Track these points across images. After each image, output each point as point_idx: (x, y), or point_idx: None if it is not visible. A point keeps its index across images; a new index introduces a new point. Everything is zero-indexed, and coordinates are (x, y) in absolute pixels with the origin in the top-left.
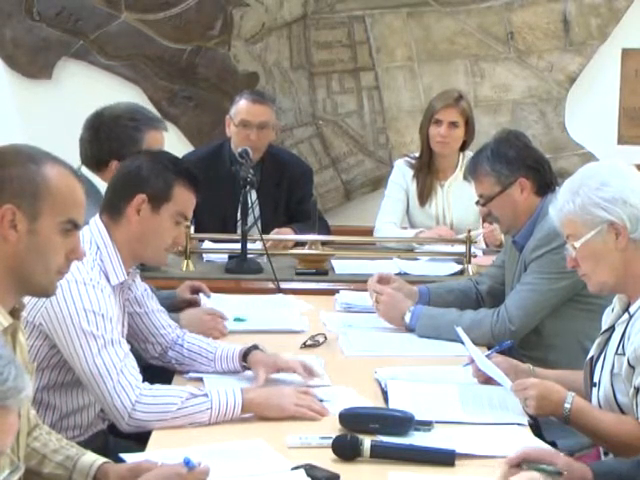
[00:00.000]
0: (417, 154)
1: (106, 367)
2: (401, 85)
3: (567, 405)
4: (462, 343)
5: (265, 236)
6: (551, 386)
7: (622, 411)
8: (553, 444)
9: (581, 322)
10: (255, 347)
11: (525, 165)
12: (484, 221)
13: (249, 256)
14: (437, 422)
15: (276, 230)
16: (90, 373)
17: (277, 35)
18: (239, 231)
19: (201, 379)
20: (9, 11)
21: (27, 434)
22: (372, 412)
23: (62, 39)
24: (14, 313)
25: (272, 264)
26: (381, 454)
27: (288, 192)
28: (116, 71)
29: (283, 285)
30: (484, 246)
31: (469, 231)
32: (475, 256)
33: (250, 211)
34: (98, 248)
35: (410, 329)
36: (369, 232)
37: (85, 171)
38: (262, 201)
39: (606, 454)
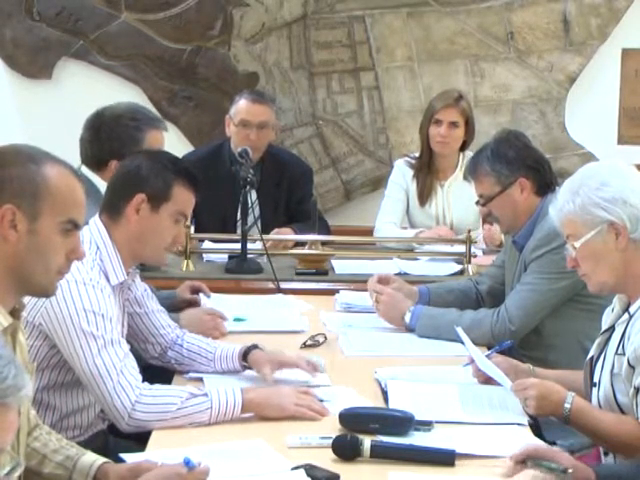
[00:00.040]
0: (417, 154)
1: (106, 367)
2: (401, 85)
3: (567, 405)
4: (462, 343)
5: (265, 236)
6: (551, 386)
7: (622, 411)
8: (553, 444)
9: (581, 322)
10: (255, 346)
11: (525, 165)
12: (484, 221)
13: (249, 256)
14: (437, 422)
15: (276, 230)
16: (90, 373)
17: (277, 35)
18: (239, 231)
19: (201, 379)
20: (9, 11)
21: (27, 434)
22: (372, 412)
23: (62, 39)
24: (14, 313)
25: (272, 264)
26: (381, 454)
27: (288, 192)
28: (116, 71)
29: (283, 285)
30: (484, 246)
31: (469, 231)
32: (475, 256)
33: (250, 211)
34: (98, 248)
35: (410, 329)
36: (369, 232)
37: (85, 171)
38: (262, 201)
39: (606, 454)
